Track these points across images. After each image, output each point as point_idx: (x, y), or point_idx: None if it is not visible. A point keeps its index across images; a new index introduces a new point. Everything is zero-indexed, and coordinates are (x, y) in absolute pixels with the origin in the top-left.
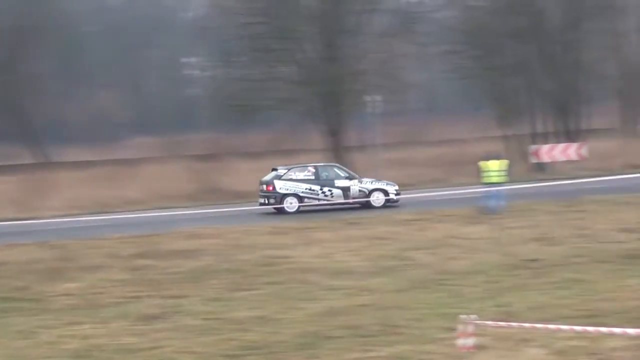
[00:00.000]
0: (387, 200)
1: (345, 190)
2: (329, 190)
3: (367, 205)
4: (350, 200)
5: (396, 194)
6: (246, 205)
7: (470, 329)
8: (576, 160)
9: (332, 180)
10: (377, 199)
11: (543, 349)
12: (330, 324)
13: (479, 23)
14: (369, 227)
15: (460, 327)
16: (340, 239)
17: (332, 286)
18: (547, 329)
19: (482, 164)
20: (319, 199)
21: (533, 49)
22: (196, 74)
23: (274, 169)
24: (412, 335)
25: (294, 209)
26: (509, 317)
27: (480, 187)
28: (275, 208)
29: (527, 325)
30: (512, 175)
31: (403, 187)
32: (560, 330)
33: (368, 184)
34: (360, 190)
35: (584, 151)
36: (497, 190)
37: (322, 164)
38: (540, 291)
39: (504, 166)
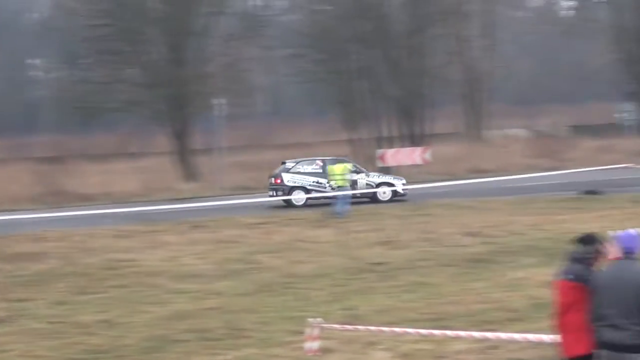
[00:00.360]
0: (394, 194)
1: (353, 183)
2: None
3: (375, 199)
4: (358, 193)
5: (403, 188)
6: (91, 209)
7: (317, 332)
8: (421, 165)
9: None
10: (384, 192)
11: (389, 352)
12: (177, 327)
13: (324, 27)
14: (216, 230)
15: (307, 330)
16: (186, 242)
17: (179, 289)
18: (393, 332)
19: (328, 168)
20: (326, 192)
21: (378, 53)
22: (41, 75)
23: (283, 162)
24: (259, 338)
25: (302, 202)
26: (355, 320)
27: (327, 191)
28: (284, 200)
29: (373, 328)
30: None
31: (248, 191)
32: (406, 333)
33: (375, 177)
34: (367, 184)
35: (428, 155)
36: (344, 194)
37: (330, 158)
38: (386, 294)
39: (348, 170)
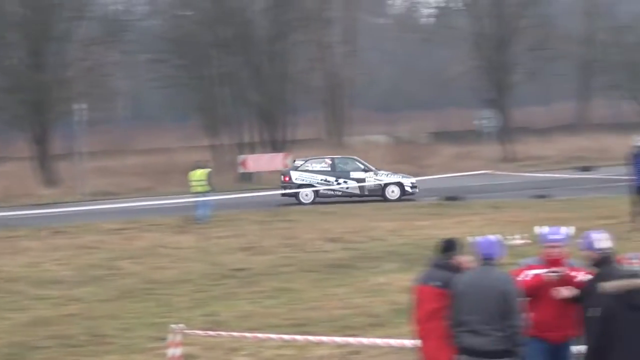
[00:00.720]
0: (403, 193)
1: (361, 182)
2: (344, 182)
3: (383, 198)
4: (366, 192)
5: (412, 187)
6: None
7: (179, 338)
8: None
9: (348, 172)
10: (393, 191)
11: (252, 357)
12: (38, 334)
13: (186, 32)
14: (76, 236)
15: (169, 336)
16: (47, 248)
17: (39, 296)
18: (256, 337)
19: (189, 174)
20: (334, 191)
21: (240, 59)
22: None
23: (294, 161)
24: (121, 345)
25: (310, 200)
26: (217, 326)
27: (188, 197)
28: (295, 198)
29: (236, 334)
30: (218, 185)
31: (109, 196)
32: (269, 339)
33: (383, 176)
34: (375, 183)
35: (290, 161)
36: (204, 199)
37: (339, 156)
38: (248, 300)
39: (205, 176)
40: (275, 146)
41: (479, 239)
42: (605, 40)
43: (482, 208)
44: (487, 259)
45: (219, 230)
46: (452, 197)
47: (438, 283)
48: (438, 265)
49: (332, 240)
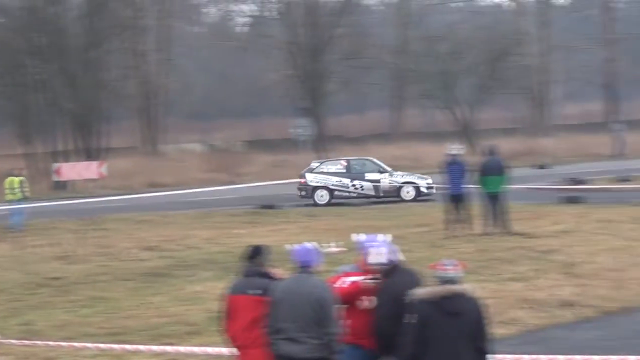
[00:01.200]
0: (419, 194)
1: (376, 183)
2: (359, 184)
3: (399, 199)
4: (381, 193)
5: (427, 188)
6: None
7: None
8: (96, 179)
9: (363, 173)
10: (408, 192)
11: None
12: None
13: None
14: None
15: None
16: None
17: None
18: (72, 346)
19: (4, 181)
20: (349, 192)
21: (54, 67)
22: None
23: (312, 162)
24: None
25: (325, 201)
26: (33, 335)
27: (2, 205)
28: (312, 199)
29: (52, 343)
30: (32, 193)
31: None
32: (85, 348)
33: (399, 177)
34: (390, 184)
35: (104, 169)
36: (18, 207)
37: (355, 158)
38: (64, 309)
39: (18, 184)
40: (90, 154)
41: (295, 246)
42: (418, 50)
43: (297, 216)
44: (304, 267)
45: (34, 238)
46: (268, 206)
47: (258, 292)
48: (253, 273)
49: (148, 248)
